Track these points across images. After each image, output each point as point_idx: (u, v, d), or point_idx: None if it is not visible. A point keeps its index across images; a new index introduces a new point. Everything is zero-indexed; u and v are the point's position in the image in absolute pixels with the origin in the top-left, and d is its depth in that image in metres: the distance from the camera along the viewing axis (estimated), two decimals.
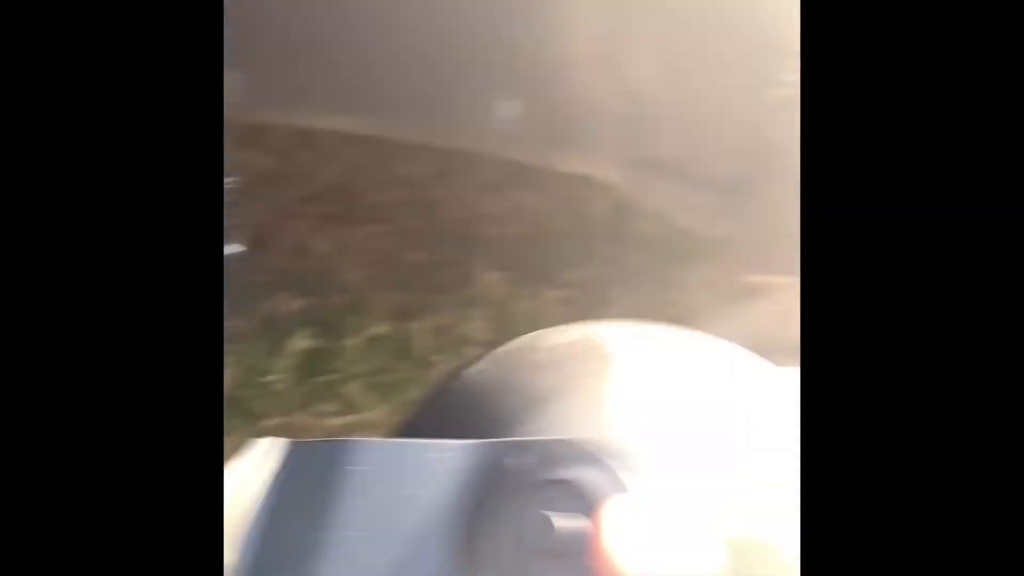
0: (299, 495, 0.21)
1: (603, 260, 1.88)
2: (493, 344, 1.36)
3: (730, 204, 0.62)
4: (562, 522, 0.17)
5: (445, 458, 0.19)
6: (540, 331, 0.27)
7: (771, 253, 0.60)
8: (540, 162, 0.86)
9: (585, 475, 0.18)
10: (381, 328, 1.55)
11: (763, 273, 0.61)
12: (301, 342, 1.48)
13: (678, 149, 0.64)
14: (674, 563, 0.17)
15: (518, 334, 1.34)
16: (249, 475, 0.23)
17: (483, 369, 0.26)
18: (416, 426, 0.26)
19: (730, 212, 0.62)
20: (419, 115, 0.87)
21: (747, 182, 0.61)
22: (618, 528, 0.17)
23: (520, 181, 2.22)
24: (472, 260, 1.82)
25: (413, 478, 0.19)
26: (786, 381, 0.26)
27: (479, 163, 2.30)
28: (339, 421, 1.37)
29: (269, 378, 1.40)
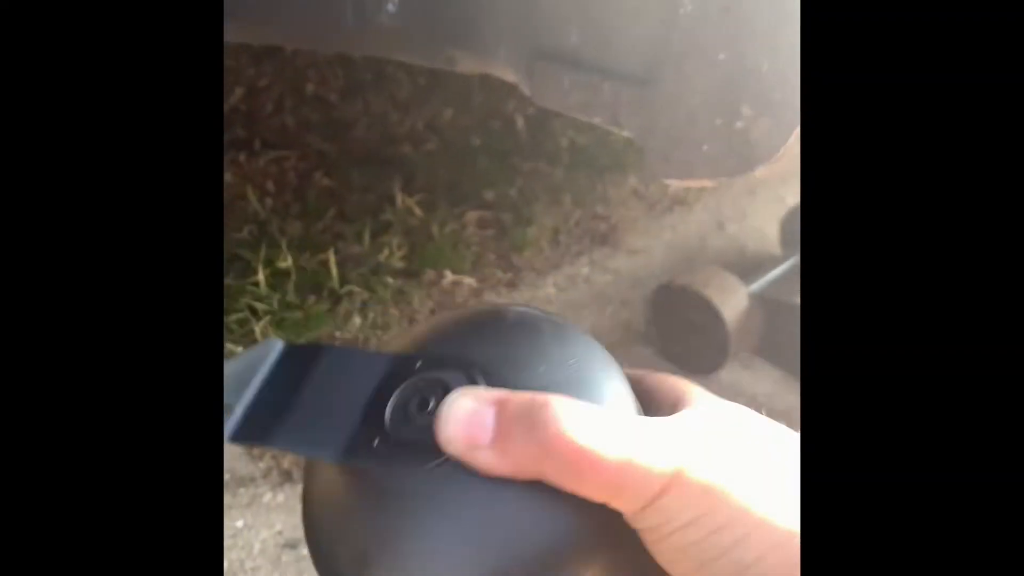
0: (282, 378, 0.30)
1: (524, 175, 1.77)
2: (408, 272, 1.22)
3: (639, 98, 0.51)
4: (429, 403, 0.28)
5: (373, 361, 0.30)
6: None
7: (688, 152, 0.50)
8: (436, 64, 0.73)
9: (450, 378, 0.28)
10: (289, 261, 1.42)
11: (683, 176, 0.52)
12: None
13: (575, 36, 0.53)
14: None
15: (436, 261, 1.21)
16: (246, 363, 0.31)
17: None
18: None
19: (640, 107, 0.51)
20: (292, 16, 0.74)
21: (657, 70, 0.50)
22: (450, 404, 0.27)
23: (434, 96, 2.07)
24: (385, 183, 1.69)
25: (350, 374, 0.30)
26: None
27: (392, 78, 2.14)
28: None
29: None
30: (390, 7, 0.70)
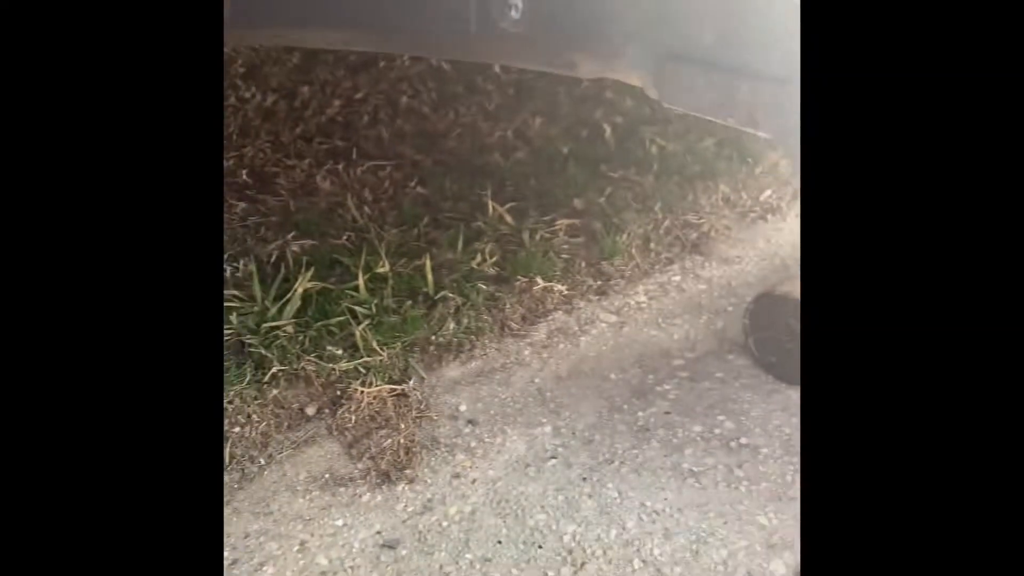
0: None
1: (614, 183, 1.73)
2: (500, 279, 1.20)
3: (779, 97, 0.48)
4: None
5: None
6: None
7: None
8: (556, 68, 0.71)
9: None
10: (387, 267, 1.43)
11: None
12: (306, 284, 1.37)
13: (711, 36, 0.50)
14: None
15: (527, 268, 1.18)
16: None
17: None
18: None
19: (779, 106, 0.48)
20: (416, 25, 0.73)
21: (796, 68, 0.46)
22: None
23: (523, 106, 2.06)
24: (477, 192, 1.68)
25: None
26: None
27: (482, 89, 2.14)
28: (347, 365, 1.26)
29: (275, 323, 1.29)
30: (514, 13, 0.68)
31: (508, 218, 1.59)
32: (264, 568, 0.99)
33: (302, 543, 1.03)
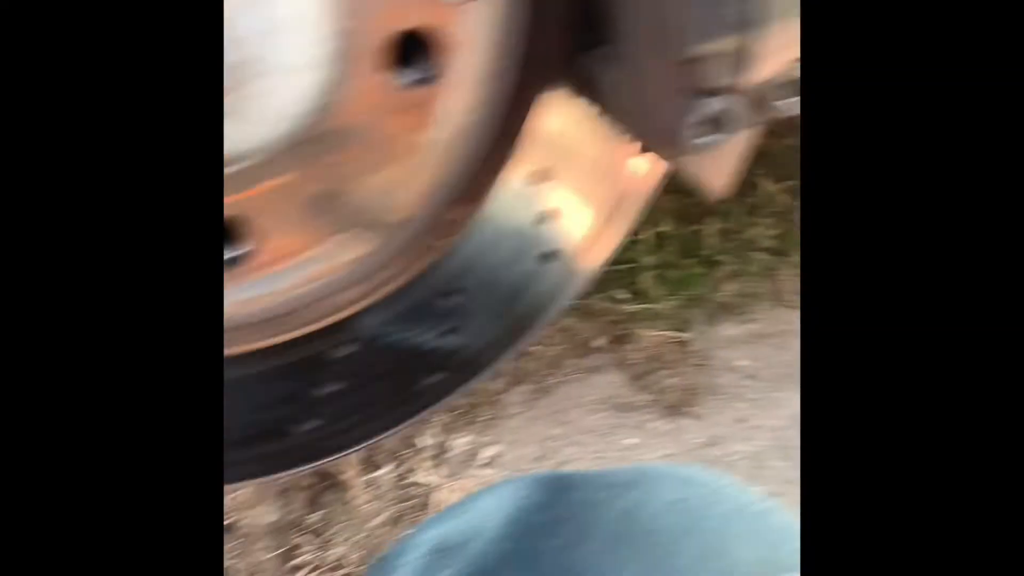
0: None
1: None
2: (777, 251, 1.22)
3: None
4: None
5: None
6: None
7: None
8: None
9: None
10: (668, 227, 1.49)
11: None
12: None
13: None
14: None
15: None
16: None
17: None
18: None
19: None
20: None
21: None
22: None
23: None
24: (750, 170, 1.70)
25: None
26: None
27: None
28: (632, 308, 1.34)
29: None
30: None
31: (782, 197, 1.60)
32: (564, 466, 1.09)
33: (596, 452, 1.11)
